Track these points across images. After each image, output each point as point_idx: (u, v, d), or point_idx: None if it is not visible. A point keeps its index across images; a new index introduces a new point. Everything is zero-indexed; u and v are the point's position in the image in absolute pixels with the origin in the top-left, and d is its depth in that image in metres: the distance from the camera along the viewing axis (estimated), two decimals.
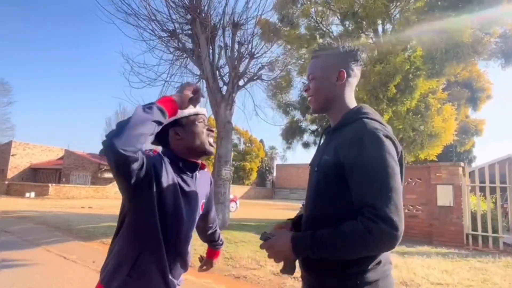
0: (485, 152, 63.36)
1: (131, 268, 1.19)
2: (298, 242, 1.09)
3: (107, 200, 24.14)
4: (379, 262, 1.11)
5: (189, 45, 8.51)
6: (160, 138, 1.39)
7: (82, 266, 5.07)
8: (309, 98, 1.31)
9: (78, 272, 4.76)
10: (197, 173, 1.44)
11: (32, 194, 22.30)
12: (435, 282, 4.25)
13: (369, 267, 1.08)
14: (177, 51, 8.44)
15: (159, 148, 1.42)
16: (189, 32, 8.32)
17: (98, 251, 6.04)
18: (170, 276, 1.27)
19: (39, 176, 35.08)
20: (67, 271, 4.80)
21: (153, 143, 1.42)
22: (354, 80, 1.27)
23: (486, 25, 7.54)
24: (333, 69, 1.23)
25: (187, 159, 1.39)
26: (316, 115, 13.68)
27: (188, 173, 1.39)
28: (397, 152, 1.10)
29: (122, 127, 1.05)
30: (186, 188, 1.34)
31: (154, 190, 1.19)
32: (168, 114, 1.19)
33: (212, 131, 1.45)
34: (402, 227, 0.97)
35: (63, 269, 4.90)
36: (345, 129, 1.16)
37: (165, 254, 1.24)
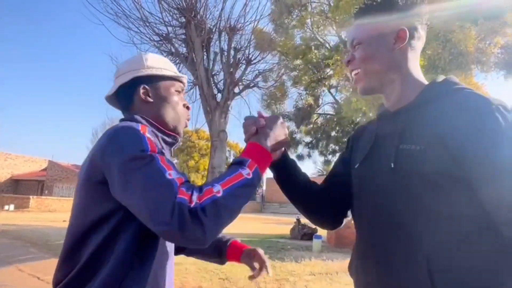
0: None
1: None
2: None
3: None
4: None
5: (183, 49, 8.16)
6: (124, 96, 1.02)
7: None
8: (353, 74, 0.95)
9: None
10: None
11: (12, 206, 21.24)
12: None
13: None
14: (170, 56, 8.06)
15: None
16: (183, 36, 7.97)
17: None
18: None
19: (21, 188, 33.79)
20: None
21: (110, 96, 1.04)
22: (418, 43, 0.92)
23: (489, 35, 7.41)
24: (390, 28, 0.88)
25: (168, 132, 1.00)
26: (311, 126, 13.41)
27: (167, 152, 1.00)
28: None
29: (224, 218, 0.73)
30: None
31: None
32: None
33: (189, 108, 1.09)
34: None
35: None
36: (439, 106, 0.79)
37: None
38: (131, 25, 7.50)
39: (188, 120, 1.07)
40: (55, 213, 20.64)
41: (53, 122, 66.96)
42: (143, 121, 0.93)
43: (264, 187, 48.02)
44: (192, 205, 0.68)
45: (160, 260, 0.88)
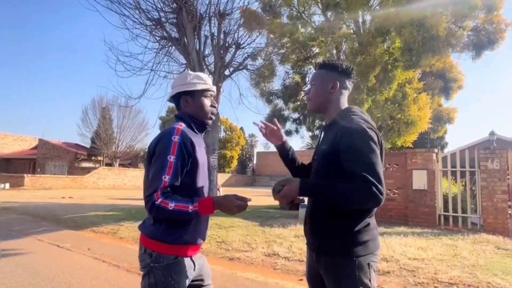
0: (456, 138, 67.33)
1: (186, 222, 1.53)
2: (305, 185, 1.38)
3: (86, 190, 23.74)
4: (368, 225, 1.42)
5: (174, 34, 8.49)
6: (176, 101, 1.70)
7: (78, 253, 5.18)
8: (308, 101, 1.65)
9: (75, 259, 4.88)
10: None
11: (7, 185, 21.62)
12: (412, 257, 4.68)
13: (361, 229, 1.39)
14: (163, 40, 8.41)
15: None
16: (174, 21, 8.29)
17: (91, 239, 6.14)
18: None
19: (12, 167, 33.83)
20: (63, 258, 4.91)
21: (169, 100, 1.74)
22: (345, 91, 1.58)
23: (459, 19, 8.00)
24: (330, 80, 1.54)
25: (198, 121, 1.67)
26: (298, 103, 14.03)
27: (199, 133, 1.68)
28: (378, 139, 1.40)
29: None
30: (198, 147, 1.59)
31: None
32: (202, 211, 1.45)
33: (215, 107, 1.72)
34: (384, 192, 1.28)
35: (59, 256, 5.01)
36: (338, 124, 1.47)
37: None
38: (124, 11, 7.79)
39: (213, 114, 1.72)
40: (51, 191, 21.08)
41: (41, 100, 65.69)
42: (183, 121, 1.62)
43: (254, 161, 49.03)
44: (156, 202, 1.38)
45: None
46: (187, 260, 1.53)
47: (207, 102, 1.67)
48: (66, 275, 4.06)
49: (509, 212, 7.43)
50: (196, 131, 1.66)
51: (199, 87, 1.65)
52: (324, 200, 1.39)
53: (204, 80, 1.69)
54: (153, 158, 1.49)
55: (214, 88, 1.72)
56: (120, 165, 33.29)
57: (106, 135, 31.85)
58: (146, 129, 34.21)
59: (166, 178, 1.42)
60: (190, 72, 1.75)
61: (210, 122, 1.71)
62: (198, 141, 1.63)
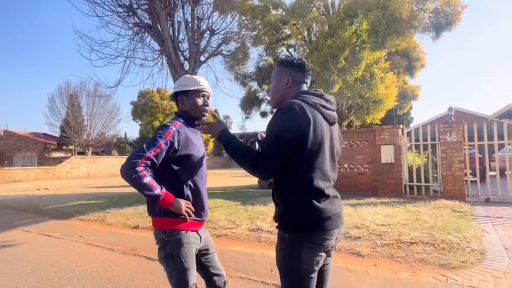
0: (421, 113, 72.00)
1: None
2: (225, 132, 1.63)
3: (60, 180, 23.23)
4: (310, 204, 1.44)
5: (147, 20, 8.44)
6: (176, 100, 2.02)
7: (70, 241, 5.38)
8: (269, 97, 1.82)
9: (69, 246, 5.09)
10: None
11: None
12: (379, 223, 5.26)
13: (299, 204, 1.45)
14: (136, 27, 8.34)
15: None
16: (147, 7, 8.24)
17: (80, 227, 6.32)
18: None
19: None
20: (57, 246, 5.11)
21: (171, 99, 2.10)
22: (301, 85, 1.65)
23: (420, 1, 8.49)
24: (285, 76, 1.66)
25: (193, 117, 1.95)
26: None
27: (194, 128, 1.96)
28: (309, 119, 1.42)
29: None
30: (193, 140, 1.89)
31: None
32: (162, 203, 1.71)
33: (207, 105, 1.98)
34: (271, 171, 1.43)
35: (52, 245, 5.19)
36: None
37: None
38: None
39: (205, 111, 1.99)
40: (22, 183, 20.50)
41: (3, 88, 61.82)
42: (181, 117, 1.94)
43: None
44: (137, 167, 1.63)
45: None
46: (194, 234, 1.87)
47: (199, 101, 1.95)
48: (64, 261, 4.30)
49: (465, 179, 8.26)
50: (192, 126, 1.96)
51: (192, 87, 1.94)
52: (228, 151, 1.55)
53: (198, 82, 1.97)
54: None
55: (208, 90, 1.99)
56: (93, 153, 32.60)
57: (76, 123, 30.96)
58: (117, 115, 33.49)
59: (152, 154, 1.67)
60: (188, 75, 2.01)
61: (204, 118, 2.00)
62: (194, 136, 1.92)
